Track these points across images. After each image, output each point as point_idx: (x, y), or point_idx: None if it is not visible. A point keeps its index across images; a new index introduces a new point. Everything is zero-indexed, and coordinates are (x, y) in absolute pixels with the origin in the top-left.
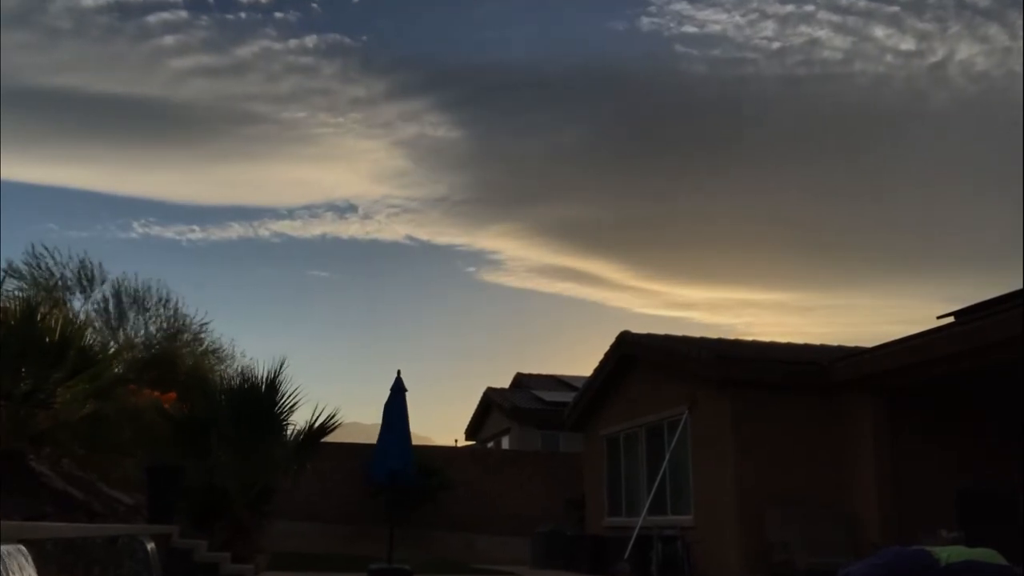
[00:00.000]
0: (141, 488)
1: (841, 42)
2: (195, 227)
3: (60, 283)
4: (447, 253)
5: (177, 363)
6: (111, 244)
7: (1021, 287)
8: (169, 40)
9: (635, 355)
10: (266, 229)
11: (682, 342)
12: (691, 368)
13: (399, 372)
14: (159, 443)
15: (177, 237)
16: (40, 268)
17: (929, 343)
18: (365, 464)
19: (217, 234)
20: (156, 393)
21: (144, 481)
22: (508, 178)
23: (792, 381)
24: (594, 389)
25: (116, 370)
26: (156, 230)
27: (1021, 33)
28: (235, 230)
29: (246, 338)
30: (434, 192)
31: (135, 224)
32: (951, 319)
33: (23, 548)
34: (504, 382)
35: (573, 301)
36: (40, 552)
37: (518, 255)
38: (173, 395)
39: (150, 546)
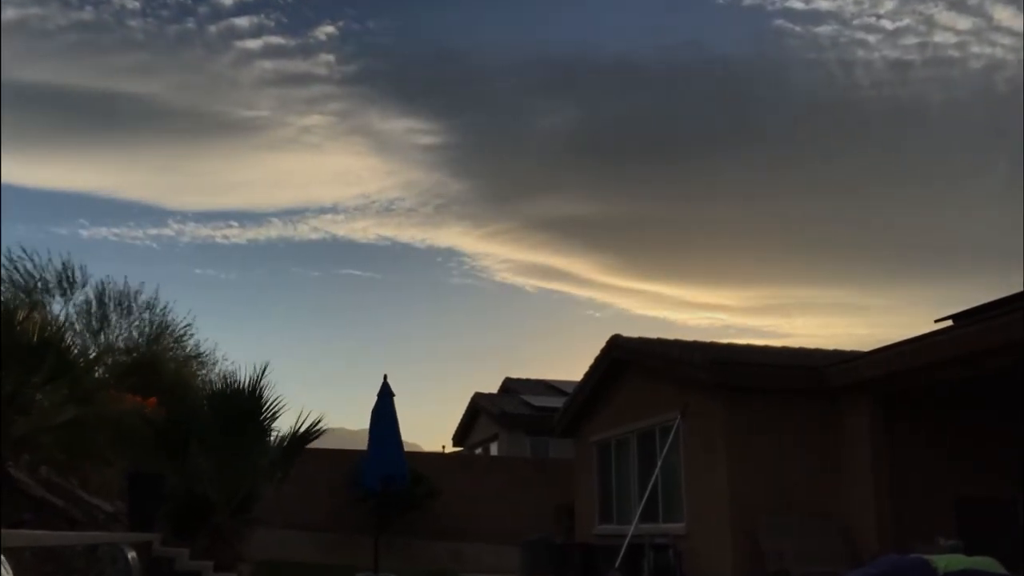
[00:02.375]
0: (122, 495)
1: (961, 23)
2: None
3: (39, 286)
4: (431, 254)
5: (160, 368)
6: (139, 241)
7: (1022, 289)
8: (243, 21)
9: (627, 359)
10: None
11: (675, 346)
12: (684, 373)
13: (385, 377)
14: (140, 449)
15: (211, 234)
16: (18, 271)
17: (928, 347)
18: (355, 471)
19: (254, 233)
20: (138, 398)
21: (125, 488)
22: (499, 176)
23: (787, 386)
24: (584, 394)
25: (97, 374)
26: (190, 227)
27: None
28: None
29: (233, 340)
30: (418, 191)
31: (170, 221)
32: (949, 323)
33: (1, 556)
34: (493, 387)
35: (564, 304)
36: (19, 560)
37: (509, 256)
38: (154, 400)
39: (131, 554)
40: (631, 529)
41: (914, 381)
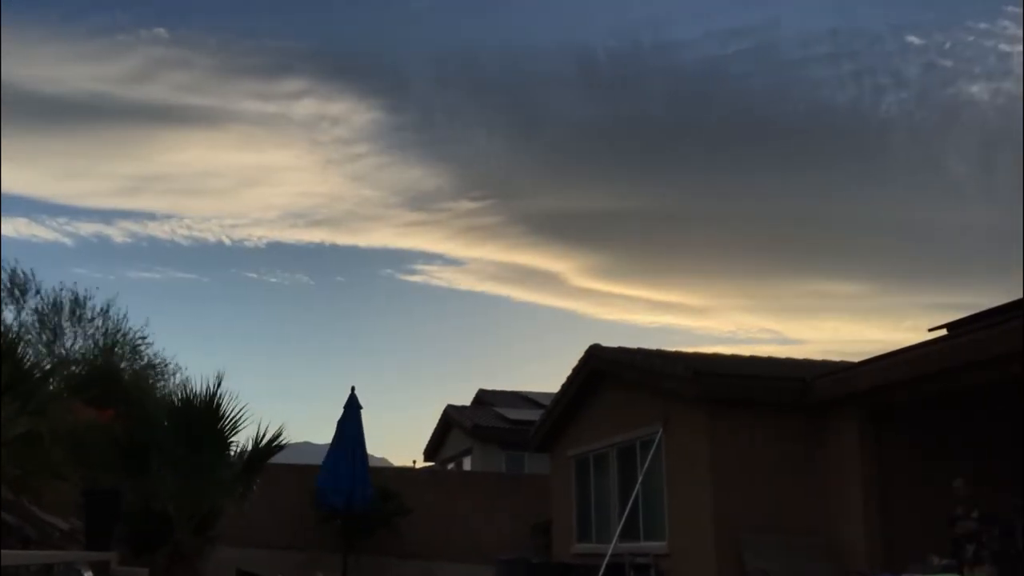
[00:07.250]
0: (77, 512)
1: None
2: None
3: None
4: (401, 257)
5: (117, 378)
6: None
7: (1022, 296)
8: None
9: (606, 370)
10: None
11: (656, 356)
12: (666, 384)
13: (353, 388)
14: (97, 464)
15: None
16: None
17: (921, 357)
18: (314, 486)
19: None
20: (94, 410)
21: (80, 505)
22: (474, 175)
23: (774, 398)
24: (562, 407)
25: (52, 386)
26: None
27: None
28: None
29: (188, 351)
30: (388, 191)
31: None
32: (943, 332)
33: None
34: (465, 399)
35: (540, 312)
36: None
37: (483, 258)
38: (111, 413)
39: (87, 575)
40: (610, 548)
41: (906, 393)
